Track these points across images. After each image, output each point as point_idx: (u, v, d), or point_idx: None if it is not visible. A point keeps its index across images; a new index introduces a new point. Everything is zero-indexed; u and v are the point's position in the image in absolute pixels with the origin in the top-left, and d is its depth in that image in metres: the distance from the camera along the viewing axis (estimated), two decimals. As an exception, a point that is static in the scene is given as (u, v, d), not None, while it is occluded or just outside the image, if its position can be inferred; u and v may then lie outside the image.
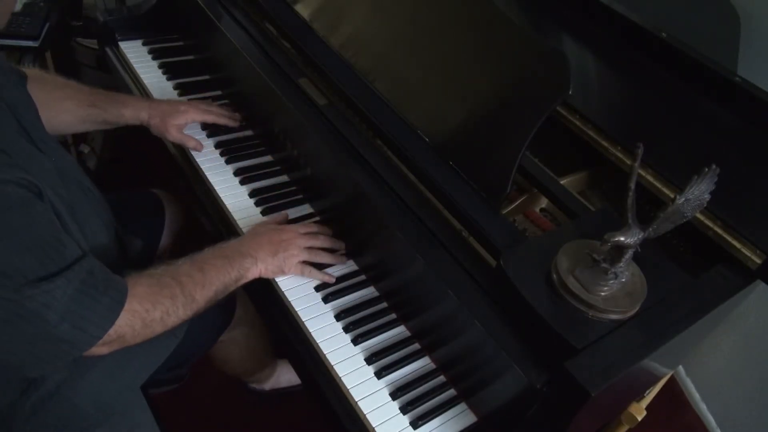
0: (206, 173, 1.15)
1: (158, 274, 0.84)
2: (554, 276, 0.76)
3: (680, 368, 1.71)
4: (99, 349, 0.76)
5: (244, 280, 0.93)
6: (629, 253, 0.73)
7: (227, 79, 1.31)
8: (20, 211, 0.67)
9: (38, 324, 0.68)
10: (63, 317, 0.69)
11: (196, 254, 0.90)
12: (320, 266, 1.00)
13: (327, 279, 0.98)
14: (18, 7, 1.53)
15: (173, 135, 1.16)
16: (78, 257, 0.73)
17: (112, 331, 0.75)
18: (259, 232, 0.98)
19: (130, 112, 1.14)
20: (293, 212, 1.10)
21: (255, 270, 0.94)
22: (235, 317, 1.15)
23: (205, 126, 1.24)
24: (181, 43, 1.45)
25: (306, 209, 1.12)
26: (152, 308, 0.80)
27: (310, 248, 0.98)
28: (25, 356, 0.72)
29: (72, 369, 0.88)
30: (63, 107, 1.07)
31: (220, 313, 1.12)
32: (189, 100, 1.26)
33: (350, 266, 1.03)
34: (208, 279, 0.88)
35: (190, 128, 1.22)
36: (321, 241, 1.01)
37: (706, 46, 1.03)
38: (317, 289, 0.98)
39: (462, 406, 0.88)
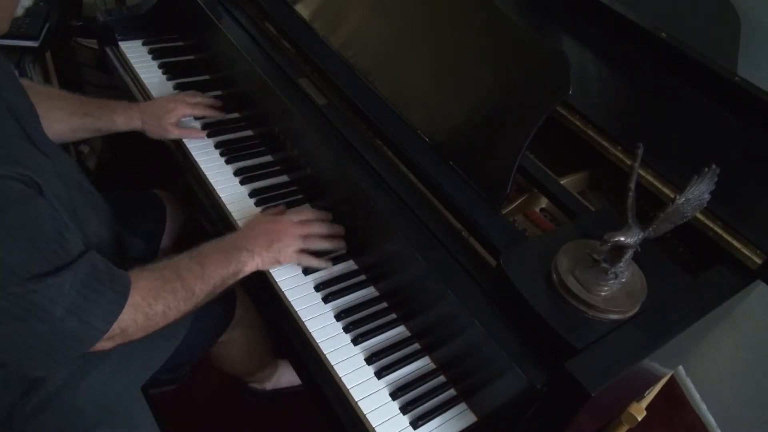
0: (206, 173, 1.15)
1: (159, 269, 0.84)
2: (554, 276, 0.76)
3: (680, 368, 1.71)
4: (103, 344, 0.76)
5: (242, 274, 0.94)
6: (629, 253, 0.73)
7: (227, 79, 1.31)
8: (23, 206, 0.68)
9: (45, 319, 0.69)
10: (69, 311, 0.70)
11: (194, 249, 0.91)
12: (324, 254, 1.00)
13: (324, 265, 0.99)
14: (20, 11, 1.53)
15: (173, 133, 1.18)
16: (82, 251, 0.73)
17: (115, 326, 0.75)
18: (254, 224, 0.99)
19: (122, 120, 1.15)
20: (293, 212, 1.10)
21: (252, 263, 0.94)
22: (235, 317, 1.15)
23: (205, 126, 1.24)
24: (181, 43, 1.45)
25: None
26: (154, 302, 0.80)
27: (305, 236, 0.99)
28: (31, 353, 0.72)
29: (73, 370, 0.88)
30: (54, 116, 1.07)
31: (220, 313, 1.12)
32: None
33: (350, 266, 1.03)
34: (207, 273, 0.88)
35: (188, 127, 1.22)
36: (317, 228, 1.01)
37: (706, 46, 1.03)
38: (317, 289, 0.98)
39: (462, 406, 0.88)
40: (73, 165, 0.95)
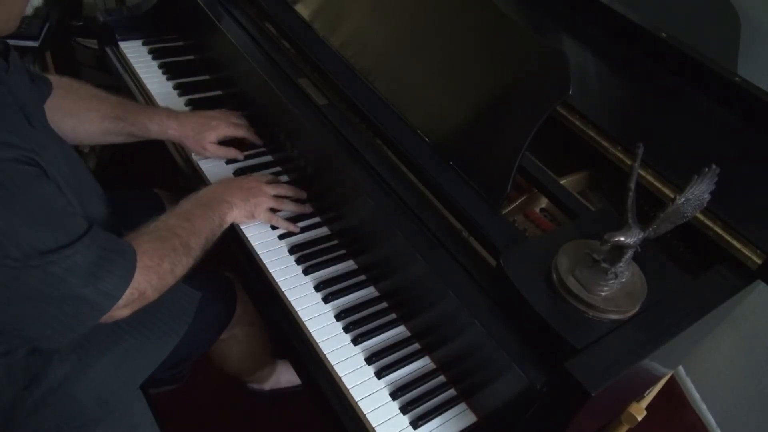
0: (206, 173, 1.15)
1: (153, 231, 0.87)
2: (554, 276, 0.76)
3: (680, 368, 1.71)
4: (122, 311, 0.79)
5: (225, 225, 0.99)
6: (629, 253, 0.73)
7: (227, 79, 1.31)
8: (35, 185, 0.71)
9: (62, 288, 0.71)
10: (86, 281, 0.72)
11: (175, 207, 0.95)
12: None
13: (292, 228, 1.05)
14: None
15: (212, 152, 1.15)
16: (89, 226, 0.76)
17: (133, 290, 0.78)
18: (229, 181, 1.05)
19: (157, 128, 1.13)
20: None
21: (231, 214, 1.00)
22: (235, 316, 1.15)
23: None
24: (181, 43, 1.45)
25: (306, 209, 1.11)
26: (161, 261, 0.83)
27: (276, 197, 1.05)
28: (49, 325, 0.74)
29: (74, 364, 0.89)
30: (87, 117, 1.07)
31: (220, 311, 1.12)
32: (220, 111, 1.21)
33: (350, 266, 1.03)
34: (197, 227, 0.92)
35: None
36: (285, 190, 1.08)
37: (706, 46, 1.04)
38: (317, 288, 0.98)
39: (462, 406, 0.88)
40: (80, 161, 0.96)
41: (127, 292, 0.77)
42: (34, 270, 0.69)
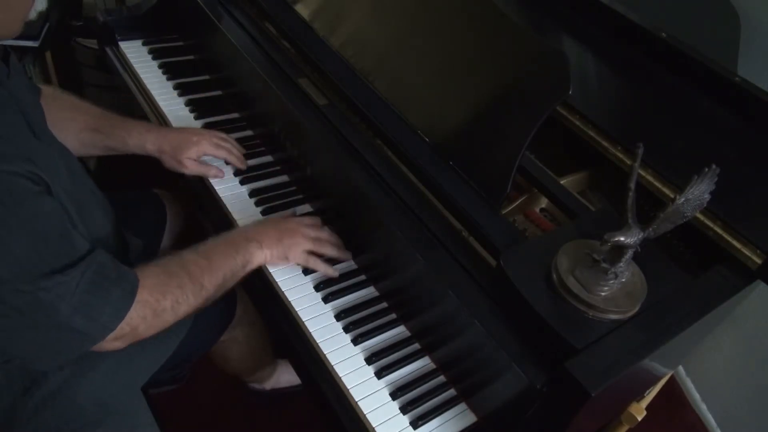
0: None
1: (164, 264, 0.84)
2: (554, 276, 0.76)
3: (680, 368, 1.71)
4: (113, 344, 0.76)
5: (250, 266, 0.93)
6: (629, 253, 0.73)
7: (227, 79, 1.31)
8: (33, 203, 0.68)
9: (51, 315, 0.69)
10: (76, 308, 0.70)
11: (201, 243, 0.90)
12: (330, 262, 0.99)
13: (331, 273, 0.98)
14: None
15: (190, 169, 1.11)
16: (89, 249, 0.73)
17: (125, 324, 0.75)
18: (264, 221, 1.00)
19: (135, 141, 1.09)
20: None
21: (260, 255, 0.94)
22: (235, 317, 1.15)
23: (205, 126, 1.24)
24: (181, 43, 1.45)
25: (306, 209, 1.12)
26: (162, 298, 0.80)
27: (315, 239, 0.98)
28: (37, 349, 0.72)
29: (74, 368, 0.88)
30: (65, 128, 1.04)
31: (220, 312, 1.12)
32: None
33: (350, 266, 1.03)
34: (215, 265, 0.87)
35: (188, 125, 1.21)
36: (327, 234, 1.01)
37: (706, 46, 1.03)
38: (317, 288, 0.98)
39: (462, 406, 0.88)
40: (79, 166, 0.95)
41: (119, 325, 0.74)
42: (25, 295, 0.67)
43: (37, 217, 0.68)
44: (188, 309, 0.84)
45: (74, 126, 1.06)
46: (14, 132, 0.71)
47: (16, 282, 0.66)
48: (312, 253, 0.98)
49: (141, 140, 1.09)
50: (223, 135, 1.16)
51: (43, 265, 0.67)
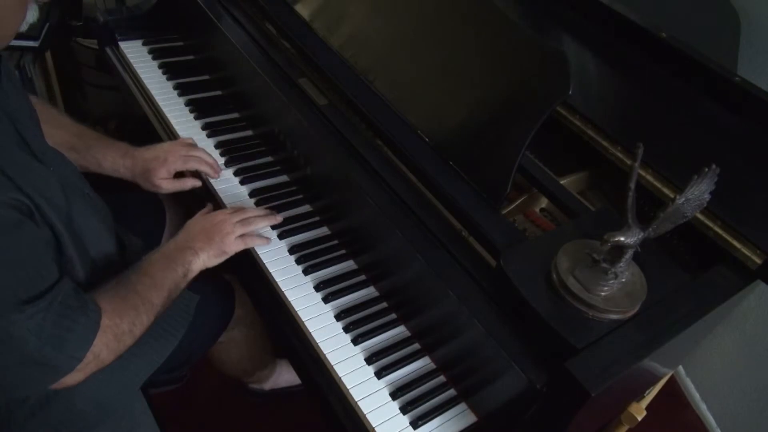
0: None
1: (114, 288, 0.83)
2: (554, 276, 0.76)
3: (680, 368, 1.71)
4: (75, 376, 0.75)
5: (191, 274, 0.94)
6: (629, 253, 0.73)
7: (227, 79, 1.31)
8: (11, 235, 0.67)
9: (18, 348, 0.68)
10: (45, 341, 0.69)
11: (137, 263, 0.90)
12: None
13: (264, 242, 1.02)
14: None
15: (166, 188, 1.10)
16: (56, 279, 0.73)
17: (89, 353, 0.74)
18: (191, 226, 1.00)
19: (109, 165, 1.08)
20: (293, 212, 1.10)
21: (198, 260, 0.94)
22: (234, 317, 1.15)
23: (205, 126, 1.24)
24: (181, 43, 1.45)
25: (306, 209, 1.11)
26: (120, 321, 0.79)
27: (242, 221, 1.00)
28: (8, 379, 0.72)
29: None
30: None
31: (219, 313, 1.12)
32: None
33: (350, 266, 1.03)
34: (158, 281, 0.88)
35: (188, 127, 1.21)
36: (250, 211, 1.03)
37: (706, 46, 1.04)
38: (317, 288, 0.98)
39: (462, 406, 0.88)
40: (74, 170, 0.94)
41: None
42: None
43: (11, 248, 0.67)
44: (143, 329, 0.84)
45: (50, 141, 1.05)
46: (1, 152, 0.70)
47: None
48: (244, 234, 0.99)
49: (115, 165, 1.09)
50: (190, 141, 1.14)
51: (13, 298, 0.67)
